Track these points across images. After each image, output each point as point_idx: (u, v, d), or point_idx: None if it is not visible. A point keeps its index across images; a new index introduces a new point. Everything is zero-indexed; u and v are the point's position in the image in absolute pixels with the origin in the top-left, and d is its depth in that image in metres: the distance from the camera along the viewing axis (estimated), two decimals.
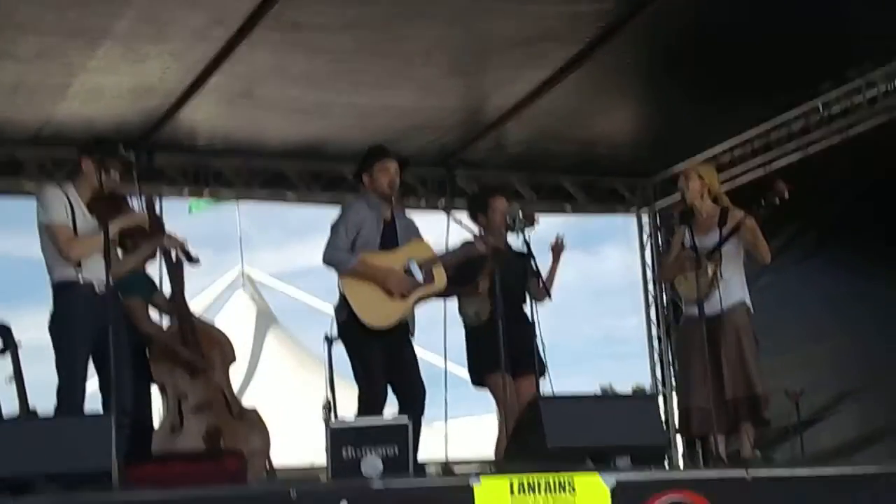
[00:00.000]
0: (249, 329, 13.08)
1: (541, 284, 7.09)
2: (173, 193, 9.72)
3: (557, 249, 7.34)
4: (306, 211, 10.63)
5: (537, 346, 6.97)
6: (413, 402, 6.83)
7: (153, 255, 6.93)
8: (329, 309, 13.11)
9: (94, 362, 6.04)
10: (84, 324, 5.98)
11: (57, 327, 6.12)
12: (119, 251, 6.39)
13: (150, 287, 7.31)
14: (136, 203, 6.54)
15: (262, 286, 14.65)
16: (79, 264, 6.07)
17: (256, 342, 13.08)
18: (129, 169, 6.47)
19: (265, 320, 13.84)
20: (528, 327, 7.07)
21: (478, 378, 7.28)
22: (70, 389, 5.96)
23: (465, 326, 7.30)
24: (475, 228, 7.31)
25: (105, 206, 6.21)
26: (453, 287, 7.17)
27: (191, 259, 6.78)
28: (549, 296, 7.18)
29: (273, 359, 13.08)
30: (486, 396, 7.33)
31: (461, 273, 7.17)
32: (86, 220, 6.19)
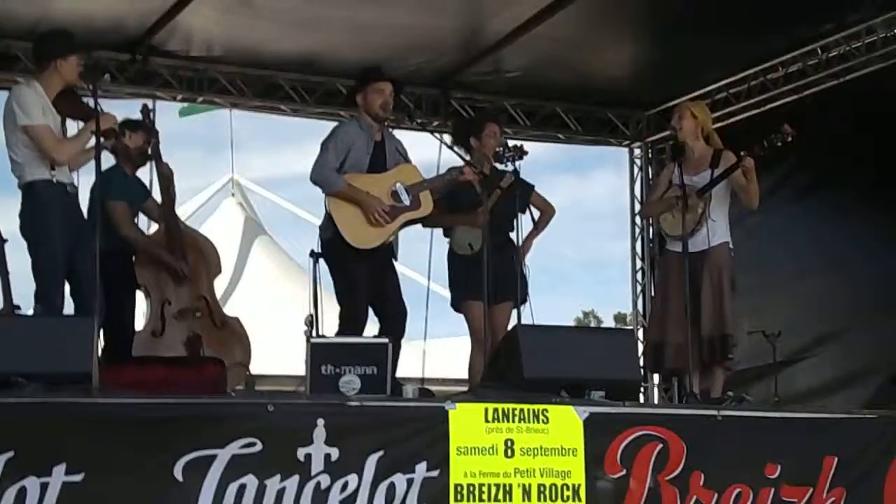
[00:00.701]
0: (236, 236, 13.09)
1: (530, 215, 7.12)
2: (167, 98, 9.69)
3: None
4: (296, 122, 10.61)
5: (522, 274, 7.03)
6: (394, 323, 6.90)
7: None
8: (316, 220, 13.20)
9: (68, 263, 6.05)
10: (60, 223, 5.99)
11: (32, 228, 6.13)
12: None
13: (140, 192, 7.32)
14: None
15: (250, 193, 14.65)
16: (53, 166, 6.05)
17: (242, 250, 13.09)
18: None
19: (252, 228, 13.85)
20: (512, 255, 7.12)
21: (457, 304, 7.33)
22: (50, 290, 6.00)
23: (454, 254, 7.31)
24: (465, 154, 7.32)
25: (71, 103, 6.19)
26: (451, 216, 7.20)
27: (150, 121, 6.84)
28: (538, 230, 7.22)
29: (258, 267, 13.11)
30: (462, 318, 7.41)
31: (453, 201, 7.20)
32: (53, 117, 6.16)
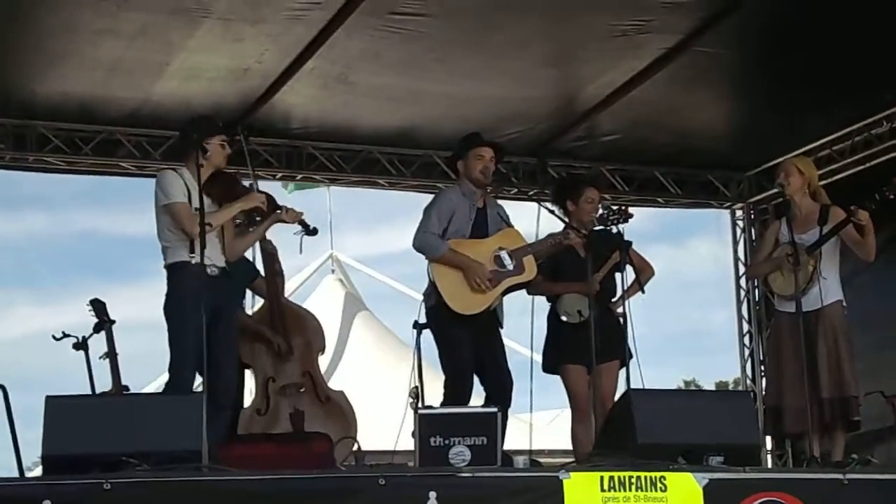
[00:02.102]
0: (337, 312, 13.13)
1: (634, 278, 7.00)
2: (267, 177, 9.75)
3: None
4: (393, 196, 10.63)
5: (627, 337, 6.89)
6: (500, 393, 6.80)
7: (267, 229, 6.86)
8: (415, 294, 13.19)
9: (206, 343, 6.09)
10: (197, 304, 6.02)
11: (171, 308, 6.21)
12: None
13: (249, 271, 7.33)
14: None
15: (350, 269, 14.71)
16: (203, 247, 6.08)
17: (344, 326, 13.12)
18: (240, 151, 6.55)
19: (353, 304, 13.89)
20: (616, 322, 7.00)
21: (555, 367, 7.19)
22: (181, 368, 6.05)
23: (557, 321, 7.18)
24: (566, 219, 7.23)
25: (223, 186, 6.27)
26: (559, 283, 7.10)
27: (308, 230, 6.71)
28: (643, 290, 7.07)
29: (360, 343, 13.12)
30: None
31: (557, 268, 7.11)
32: (203, 200, 6.24)
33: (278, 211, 6.51)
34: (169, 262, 6.27)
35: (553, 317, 7.20)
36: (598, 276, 6.96)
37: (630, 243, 6.88)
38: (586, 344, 6.58)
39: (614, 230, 6.79)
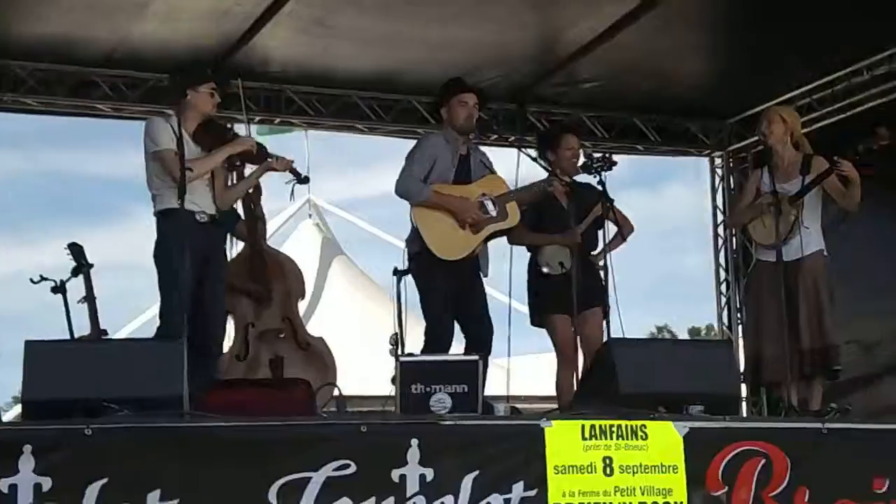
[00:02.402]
0: (314, 258, 13.06)
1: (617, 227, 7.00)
2: (243, 120, 9.64)
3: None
4: (371, 141, 10.56)
5: (608, 289, 6.89)
6: (480, 340, 6.81)
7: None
8: (392, 239, 13.14)
9: (192, 294, 6.07)
10: (180, 253, 5.97)
11: (161, 255, 6.21)
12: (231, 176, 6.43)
13: (232, 215, 7.28)
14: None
15: (327, 214, 14.62)
16: (183, 194, 6.02)
17: (321, 271, 13.07)
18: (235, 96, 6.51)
19: (330, 249, 13.82)
20: (596, 270, 7.00)
21: (541, 318, 7.19)
22: (171, 314, 6.05)
23: (538, 272, 7.17)
24: (548, 166, 7.21)
25: (212, 134, 6.23)
26: (541, 234, 7.08)
27: (300, 178, 6.66)
28: (624, 239, 7.07)
29: (337, 288, 13.07)
30: (545, 335, 7.28)
31: (539, 218, 7.09)
32: (192, 148, 6.21)
33: (269, 159, 6.46)
34: (158, 209, 6.24)
35: (534, 268, 7.19)
36: (580, 228, 6.95)
37: (612, 200, 6.87)
38: (569, 294, 6.57)
39: (598, 178, 6.76)
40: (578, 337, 6.93)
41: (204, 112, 6.34)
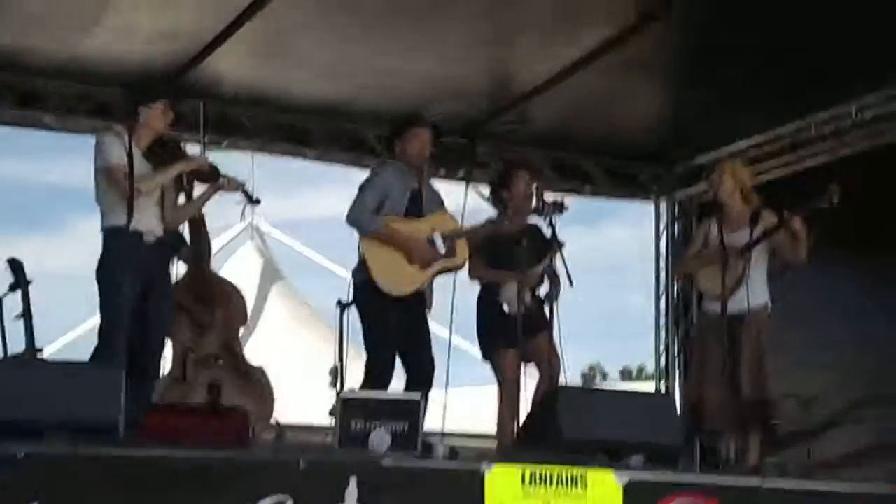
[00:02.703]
0: (254, 282, 12.96)
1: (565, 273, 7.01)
2: (192, 140, 9.54)
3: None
4: (313, 164, 10.48)
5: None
6: (422, 377, 6.76)
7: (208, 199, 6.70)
8: (336, 267, 13.06)
9: (134, 312, 5.98)
10: (127, 273, 5.91)
11: (104, 273, 6.09)
12: (180, 197, 6.36)
13: (178, 239, 7.20)
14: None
15: (269, 237, 14.52)
16: (131, 213, 5.95)
17: (260, 295, 12.97)
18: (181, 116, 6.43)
19: (270, 274, 13.73)
20: (541, 308, 7.01)
21: (491, 352, 7.16)
22: (111, 335, 5.93)
23: (496, 309, 7.14)
24: (499, 204, 7.21)
25: (163, 151, 6.15)
26: (499, 271, 7.05)
27: (251, 200, 6.59)
28: (571, 283, 7.07)
29: (275, 314, 12.98)
30: (484, 368, 7.28)
31: (495, 255, 7.07)
32: (143, 165, 6.11)
33: (221, 179, 6.38)
34: (105, 225, 6.14)
35: (488, 304, 7.14)
36: (537, 269, 6.97)
37: (562, 245, 6.88)
38: (513, 327, 6.58)
39: (548, 221, 6.78)
40: (524, 365, 6.97)
41: (156, 129, 6.26)
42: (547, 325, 6.93)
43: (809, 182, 8.96)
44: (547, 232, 6.94)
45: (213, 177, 6.37)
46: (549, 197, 6.94)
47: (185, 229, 7.14)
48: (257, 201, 6.62)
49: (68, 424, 4.93)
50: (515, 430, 6.74)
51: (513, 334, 6.72)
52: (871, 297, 9.08)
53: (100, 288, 6.11)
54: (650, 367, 11.46)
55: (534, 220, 7.16)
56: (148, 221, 6.10)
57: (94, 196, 6.22)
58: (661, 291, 11.14)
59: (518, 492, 5.34)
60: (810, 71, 8.70)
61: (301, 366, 10.68)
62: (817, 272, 8.10)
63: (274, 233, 14.74)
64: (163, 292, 6.21)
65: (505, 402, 7.10)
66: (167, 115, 6.28)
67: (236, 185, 6.46)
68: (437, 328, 7.97)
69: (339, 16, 8.21)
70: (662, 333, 11.07)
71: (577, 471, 5.43)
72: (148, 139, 6.19)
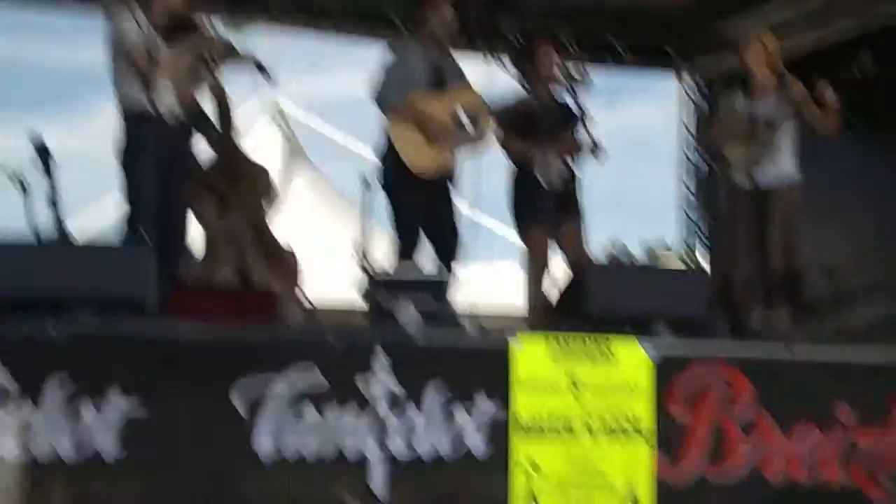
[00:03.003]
0: (275, 161, 12.87)
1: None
2: (208, 13, 9.41)
3: None
4: (334, 45, 10.33)
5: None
6: (447, 252, 6.76)
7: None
8: (358, 147, 12.98)
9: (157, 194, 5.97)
10: (154, 156, 5.90)
11: (127, 159, 6.06)
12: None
13: (203, 117, 7.14)
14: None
15: (289, 117, 14.39)
16: (151, 94, 5.90)
17: (281, 174, 12.88)
18: None
19: (292, 154, 13.64)
20: (575, 180, 7.02)
21: (524, 231, 7.14)
22: (138, 221, 5.92)
23: (528, 184, 7.10)
24: (525, 83, 7.13)
25: (180, 29, 6.06)
26: (527, 143, 7.00)
27: (264, 73, 6.51)
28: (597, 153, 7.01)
29: (298, 195, 12.92)
30: (500, 243, 7.29)
31: (527, 127, 7.01)
32: (158, 43, 6.04)
33: (235, 55, 6.31)
34: (125, 107, 6.07)
35: (522, 179, 7.07)
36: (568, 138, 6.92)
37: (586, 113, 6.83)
38: (548, 205, 6.56)
39: (573, 91, 6.72)
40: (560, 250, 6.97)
41: (172, 7, 6.15)
42: (578, 212, 6.91)
43: (836, 55, 8.82)
44: (572, 103, 6.86)
45: (227, 52, 6.29)
46: (571, 67, 6.85)
47: (207, 106, 7.08)
48: (270, 76, 6.58)
49: (100, 301, 4.96)
50: (542, 307, 6.77)
51: (546, 210, 6.69)
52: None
53: (124, 174, 6.08)
54: (676, 245, 11.39)
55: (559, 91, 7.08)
56: (166, 101, 6.04)
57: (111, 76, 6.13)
58: (686, 167, 11.05)
59: (545, 362, 5.39)
60: None
61: (327, 247, 10.68)
62: (842, 145, 8.02)
63: (295, 112, 14.62)
64: (184, 172, 6.15)
65: (532, 279, 7.10)
66: None
67: (252, 61, 6.42)
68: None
69: None
70: (689, 210, 11.01)
71: (604, 340, 5.48)
72: (162, 17, 6.10)
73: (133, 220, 5.99)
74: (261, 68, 6.46)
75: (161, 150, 5.89)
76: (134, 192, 6.01)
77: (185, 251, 6.61)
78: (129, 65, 5.98)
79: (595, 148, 6.85)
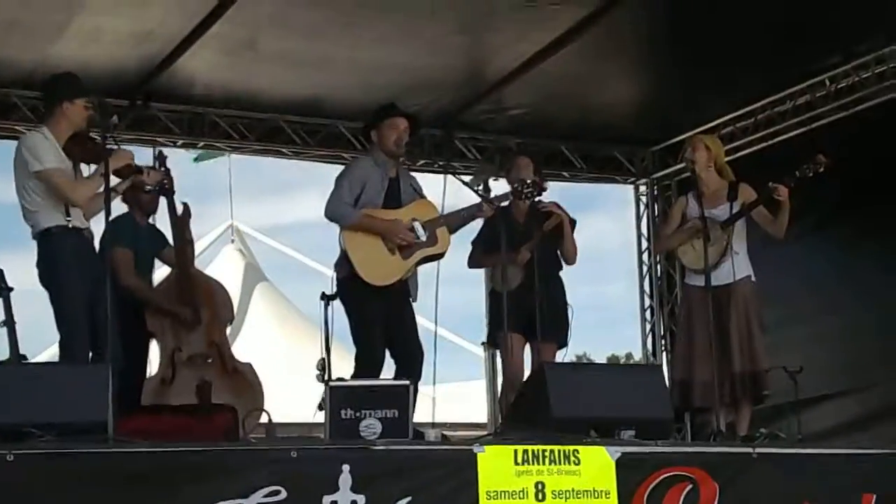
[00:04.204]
0: (237, 283, 12.92)
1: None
2: (167, 143, 9.51)
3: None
4: (295, 167, 10.47)
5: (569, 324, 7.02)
6: (410, 365, 6.74)
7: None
8: (316, 265, 13.04)
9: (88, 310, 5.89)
10: (78, 270, 5.86)
11: (51, 276, 5.98)
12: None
13: (156, 240, 7.15)
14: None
15: (250, 239, 14.50)
16: (68, 212, 5.92)
17: (244, 297, 12.93)
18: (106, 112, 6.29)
19: (253, 275, 13.70)
20: (563, 301, 7.15)
21: (495, 337, 7.16)
22: (74, 338, 5.83)
23: (493, 292, 7.15)
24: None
25: (82, 146, 6.06)
26: (489, 256, 7.05)
27: (166, 191, 6.65)
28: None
29: (260, 315, 12.95)
30: (474, 363, 7.29)
31: (490, 240, 7.06)
32: (65, 162, 6.04)
33: (139, 173, 6.27)
34: (43, 227, 6.00)
35: (490, 290, 7.19)
36: (527, 247, 6.97)
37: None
38: (524, 313, 6.53)
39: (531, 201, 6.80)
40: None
41: (77, 125, 6.12)
42: (560, 334, 6.97)
43: (784, 156, 9.01)
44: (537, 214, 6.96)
45: (135, 171, 6.28)
46: (528, 180, 6.92)
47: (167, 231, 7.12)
48: (172, 191, 6.74)
49: (57, 426, 4.89)
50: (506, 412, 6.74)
51: (514, 318, 6.68)
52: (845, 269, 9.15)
53: (54, 294, 5.97)
54: (638, 355, 11.43)
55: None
56: (79, 217, 6.02)
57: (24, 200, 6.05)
58: (644, 273, 11.15)
59: (511, 471, 5.34)
60: (778, 48, 8.72)
61: (289, 364, 10.66)
62: (794, 246, 8.14)
63: (255, 235, 14.74)
64: (105, 293, 5.96)
65: (507, 386, 7.08)
66: (87, 111, 6.13)
67: (155, 178, 6.44)
68: (423, 321, 8.00)
69: (309, 9, 8.19)
70: (648, 314, 11.08)
71: (569, 448, 5.44)
72: (66, 134, 6.08)
73: (69, 343, 5.88)
74: (162, 185, 6.59)
75: (86, 265, 5.86)
76: (67, 313, 5.90)
77: (142, 370, 6.54)
78: (52, 187, 5.95)
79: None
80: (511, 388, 6.95)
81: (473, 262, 7.22)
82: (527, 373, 6.89)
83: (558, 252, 7.26)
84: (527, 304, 6.66)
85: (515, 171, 7.24)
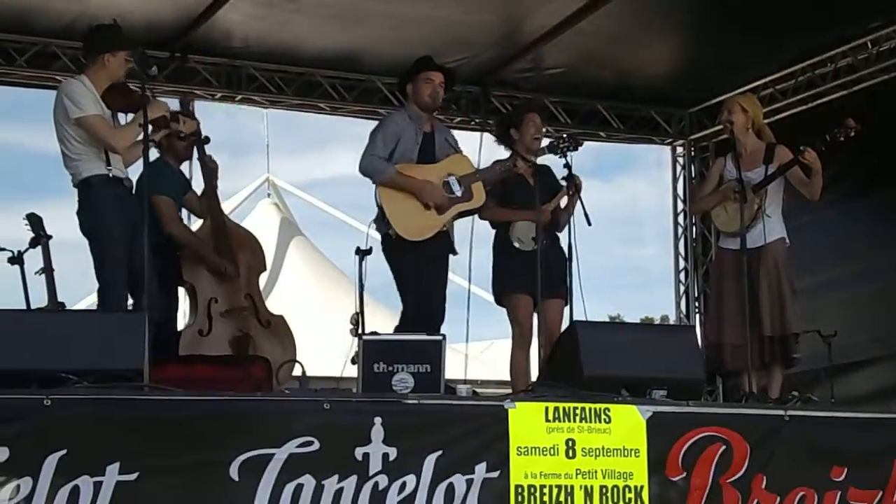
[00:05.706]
0: (272, 237, 12.96)
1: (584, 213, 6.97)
2: (205, 96, 9.54)
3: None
4: (329, 122, 10.45)
5: (571, 275, 6.83)
6: (427, 326, 6.72)
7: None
8: (351, 220, 13.06)
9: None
10: (119, 219, 5.91)
11: (92, 226, 6.04)
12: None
13: (183, 185, 7.17)
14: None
15: (286, 194, 14.54)
16: (109, 161, 5.97)
17: (279, 251, 12.98)
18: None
19: (288, 229, 13.73)
20: (563, 255, 6.95)
21: (502, 296, 7.14)
22: (114, 287, 5.90)
23: (506, 248, 7.09)
24: (510, 145, 7.17)
25: (120, 97, 6.11)
26: (512, 210, 7.02)
27: (201, 139, 6.72)
28: (589, 222, 7.01)
29: (295, 269, 12.99)
30: (503, 321, 7.25)
31: (506, 195, 7.04)
32: (103, 111, 6.09)
33: (175, 122, 6.33)
34: (84, 176, 6.06)
35: (501, 244, 7.10)
36: (548, 206, 6.92)
37: (579, 181, 6.85)
38: (533, 273, 6.52)
39: (563, 159, 6.74)
40: (538, 322, 6.89)
41: (117, 76, 6.18)
42: (563, 286, 6.76)
43: (821, 119, 8.93)
44: (559, 171, 6.91)
45: (173, 119, 6.32)
46: (564, 134, 6.91)
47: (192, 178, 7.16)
48: (206, 140, 6.81)
49: (93, 372, 4.95)
50: (529, 373, 6.74)
51: (526, 278, 6.67)
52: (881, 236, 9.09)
53: (95, 242, 6.03)
54: (672, 317, 11.41)
55: (544, 160, 7.11)
56: (119, 166, 6.08)
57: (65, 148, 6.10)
58: (679, 235, 11.12)
59: (542, 427, 5.36)
60: (821, 8, 8.64)
61: (323, 318, 10.71)
62: (825, 211, 8.10)
63: (291, 189, 14.77)
64: (143, 241, 5.84)
65: (517, 345, 7.07)
66: (128, 65, 6.18)
67: (191, 127, 6.51)
68: (457, 279, 8.03)
69: None
70: (682, 276, 11.06)
71: (600, 405, 5.44)
72: (105, 84, 6.13)
73: (111, 288, 5.95)
74: (197, 135, 6.65)
75: (126, 214, 5.90)
76: (108, 261, 5.97)
77: (173, 320, 6.59)
78: (92, 134, 6.00)
79: (585, 217, 6.85)
80: (523, 345, 6.95)
81: (485, 214, 7.06)
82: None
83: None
84: (534, 264, 6.56)
85: (525, 126, 7.17)
